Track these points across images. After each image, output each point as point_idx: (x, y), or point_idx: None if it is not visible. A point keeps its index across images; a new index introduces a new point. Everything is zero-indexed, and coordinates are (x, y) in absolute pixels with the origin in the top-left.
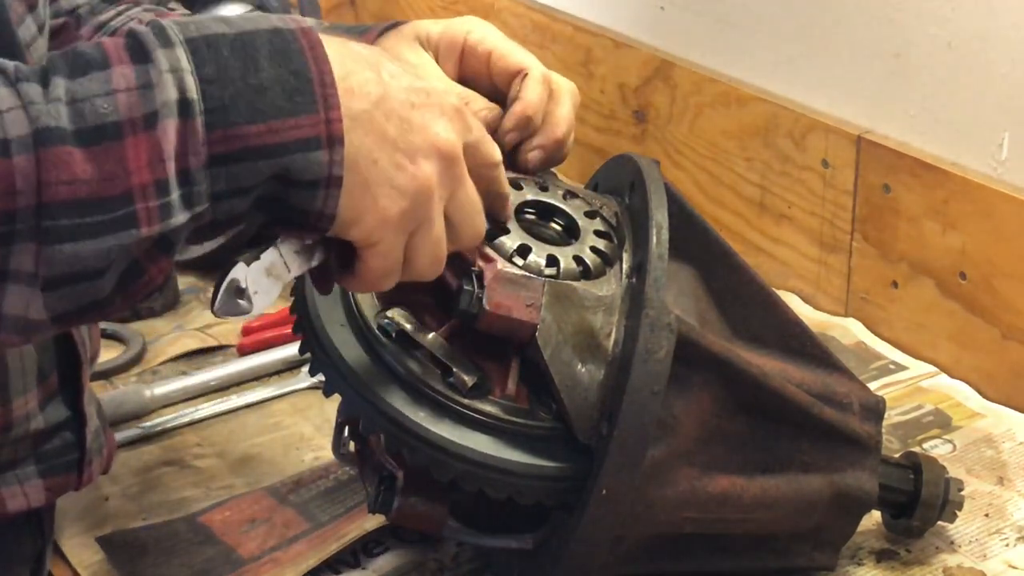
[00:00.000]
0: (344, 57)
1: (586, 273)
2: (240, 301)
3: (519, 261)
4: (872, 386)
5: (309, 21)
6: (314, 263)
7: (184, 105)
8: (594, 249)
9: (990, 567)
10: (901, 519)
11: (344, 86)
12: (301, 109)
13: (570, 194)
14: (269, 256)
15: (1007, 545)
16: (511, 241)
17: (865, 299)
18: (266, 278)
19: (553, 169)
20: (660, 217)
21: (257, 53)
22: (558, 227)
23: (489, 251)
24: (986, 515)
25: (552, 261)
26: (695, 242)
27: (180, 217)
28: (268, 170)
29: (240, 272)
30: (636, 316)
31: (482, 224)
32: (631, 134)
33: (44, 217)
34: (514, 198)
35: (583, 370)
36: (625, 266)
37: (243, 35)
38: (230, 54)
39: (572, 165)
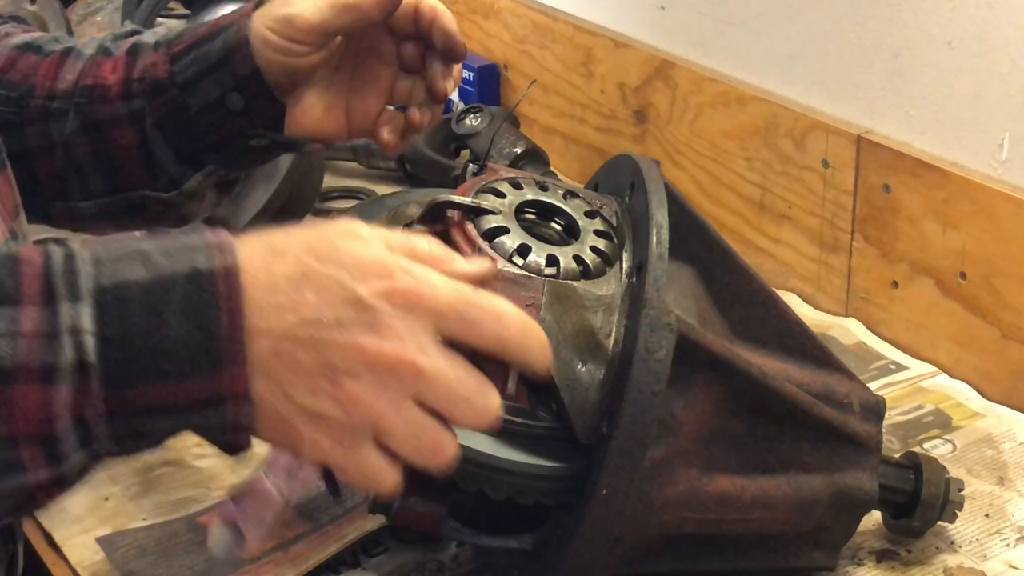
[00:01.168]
0: (264, 291)
1: (586, 273)
2: (237, 539)
3: (519, 261)
4: (872, 386)
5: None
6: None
7: (81, 368)
8: (594, 249)
9: (990, 567)
10: (901, 519)
11: (258, 327)
12: (204, 369)
13: (570, 194)
14: (259, 485)
15: (1007, 545)
16: (511, 241)
17: (865, 299)
18: (260, 507)
19: (552, 168)
20: (660, 217)
21: (167, 308)
22: (558, 227)
23: (489, 251)
24: (986, 515)
25: (552, 261)
26: (695, 242)
27: (75, 459)
28: (170, 423)
29: (229, 510)
30: (636, 316)
31: (483, 403)
32: (631, 134)
33: None
34: (514, 198)
35: (583, 370)
36: (625, 266)
37: (157, 283)
38: (138, 311)
39: (572, 165)
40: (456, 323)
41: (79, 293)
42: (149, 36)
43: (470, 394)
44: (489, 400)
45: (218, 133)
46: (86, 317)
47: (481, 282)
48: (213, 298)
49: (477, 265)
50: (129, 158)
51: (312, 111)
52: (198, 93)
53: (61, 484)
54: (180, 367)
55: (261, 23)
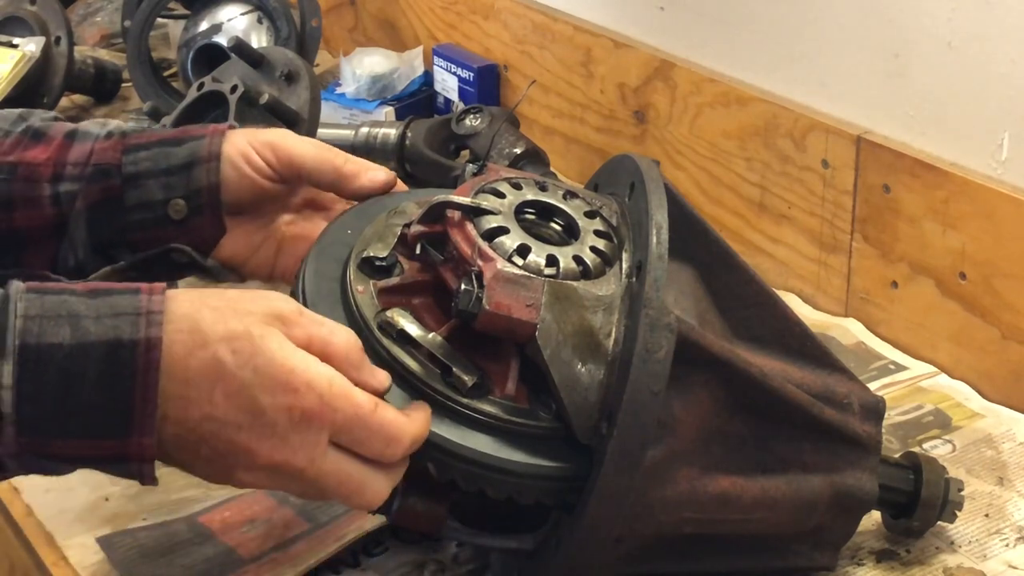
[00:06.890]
0: (179, 384)
1: (586, 273)
2: None
3: (519, 261)
4: (872, 386)
5: (163, 291)
6: None
7: None
8: (594, 249)
9: (990, 567)
10: (901, 519)
11: (166, 413)
12: (113, 433)
13: (570, 194)
14: None
15: (1007, 545)
16: (511, 241)
17: (865, 299)
18: None
19: (552, 168)
20: (660, 217)
21: (84, 375)
22: (558, 227)
23: (489, 251)
24: (986, 515)
25: (552, 261)
26: (695, 242)
27: None
28: (77, 468)
29: None
30: (636, 316)
31: (361, 501)
32: (631, 134)
33: None
34: (514, 198)
35: (583, 370)
36: (625, 266)
37: (79, 349)
38: (56, 374)
39: (572, 165)
40: (347, 439)
41: (5, 351)
42: (94, 126)
43: (350, 493)
44: (368, 496)
45: (143, 234)
46: (7, 374)
47: (380, 395)
48: (130, 371)
49: (378, 380)
50: (37, 238)
51: (246, 242)
52: (141, 189)
53: None
54: (90, 429)
55: (244, 139)
